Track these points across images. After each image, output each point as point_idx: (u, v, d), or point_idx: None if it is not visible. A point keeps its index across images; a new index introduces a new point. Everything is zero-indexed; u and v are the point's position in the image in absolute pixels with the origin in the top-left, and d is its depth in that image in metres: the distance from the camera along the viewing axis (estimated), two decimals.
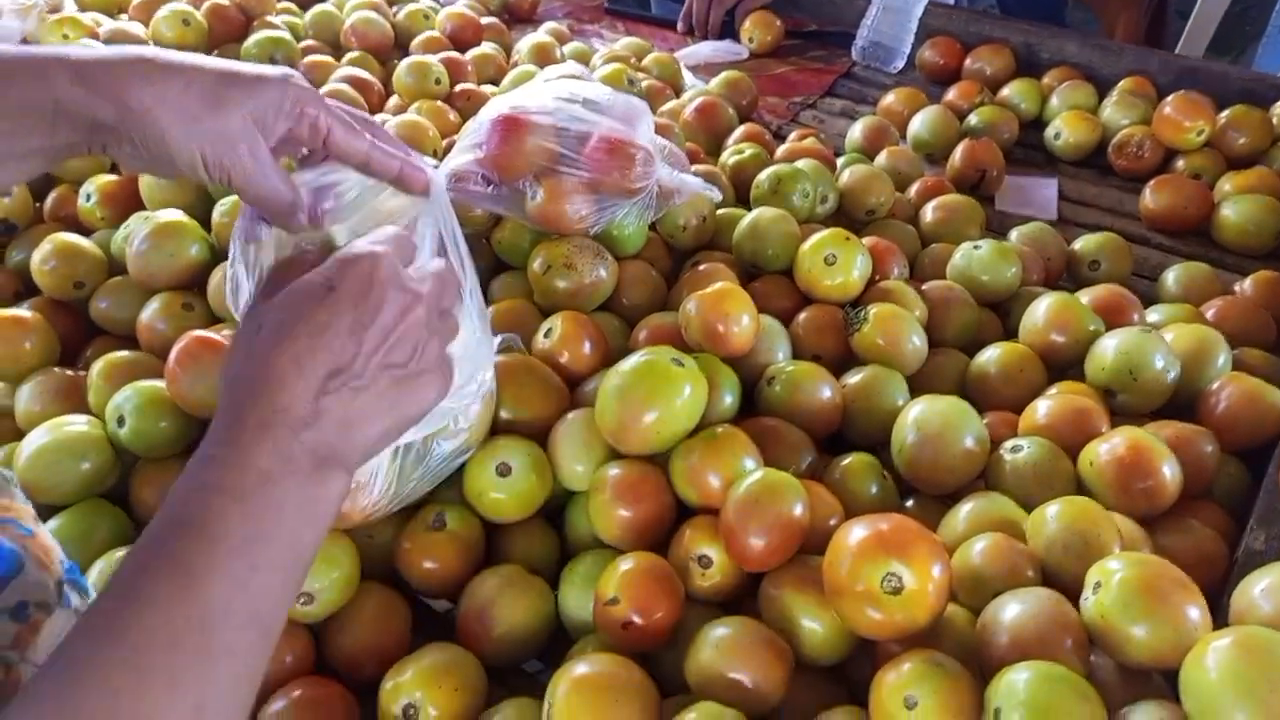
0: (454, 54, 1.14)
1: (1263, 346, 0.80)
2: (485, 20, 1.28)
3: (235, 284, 0.56)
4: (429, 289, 0.50)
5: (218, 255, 0.81)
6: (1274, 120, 1.07)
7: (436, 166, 0.64)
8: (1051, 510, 0.60)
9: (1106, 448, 0.64)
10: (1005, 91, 1.17)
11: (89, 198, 0.88)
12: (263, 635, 0.41)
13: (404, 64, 1.08)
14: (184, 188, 0.85)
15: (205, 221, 0.82)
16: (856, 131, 1.10)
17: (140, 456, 0.71)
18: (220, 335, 0.70)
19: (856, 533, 0.55)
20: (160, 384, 0.71)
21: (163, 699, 0.36)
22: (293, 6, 1.27)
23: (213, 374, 0.69)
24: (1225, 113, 1.06)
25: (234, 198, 0.81)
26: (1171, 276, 0.89)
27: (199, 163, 0.48)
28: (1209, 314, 0.83)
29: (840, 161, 1.01)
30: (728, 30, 1.39)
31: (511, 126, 0.78)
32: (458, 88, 1.08)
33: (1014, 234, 0.94)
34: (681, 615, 0.60)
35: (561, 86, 0.81)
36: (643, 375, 0.65)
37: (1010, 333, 0.83)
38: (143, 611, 0.37)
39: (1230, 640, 0.48)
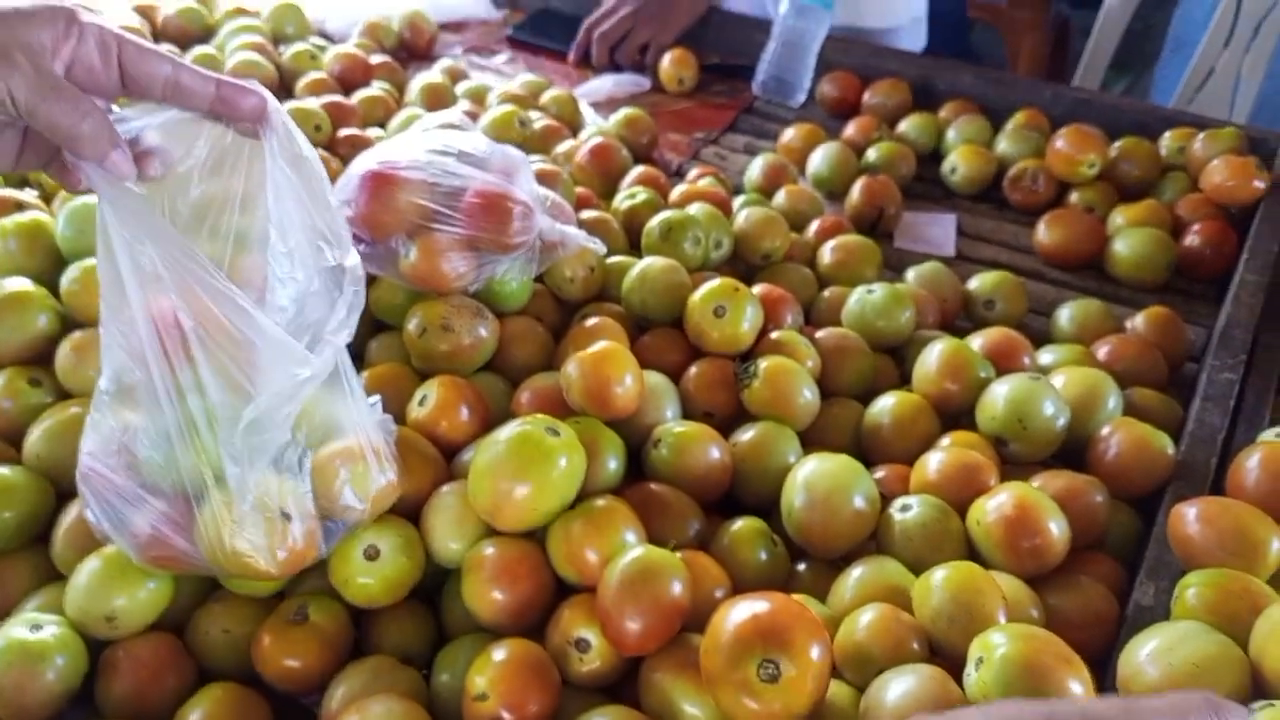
0: (338, 98, 1.10)
1: (1155, 385, 0.80)
2: (376, 59, 1.24)
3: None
4: None
5: (68, 325, 0.75)
6: (1163, 152, 1.08)
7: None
8: (936, 578, 0.58)
9: (994, 505, 0.63)
10: (902, 126, 1.16)
11: None
12: None
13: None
14: (33, 253, 0.80)
15: (56, 290, 0.77)
16: (755, 170, 1.09)
17: None
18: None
19: (733, 617, 0.52)
20: (5, 470, 0.66)
21: None
22: (175, 50, 1.22)
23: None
24: (1116, 145, 1.07)
25: (86, 263, 0.76)
26: (1065, 315, 0.88)
27: None
28: (1101, 353, 0.82)
29: (737, 203, 0.99)
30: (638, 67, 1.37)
31: (381, 182, 0.74)
32: (341, 133, 1.04)
33: (910, 274, 0.93)
34: (557, 707, 0.56)
35: (435, 138, 0.78)
36: (516, 448, 0.62)
37: (906, 378, 0.82)
38: None
39: None
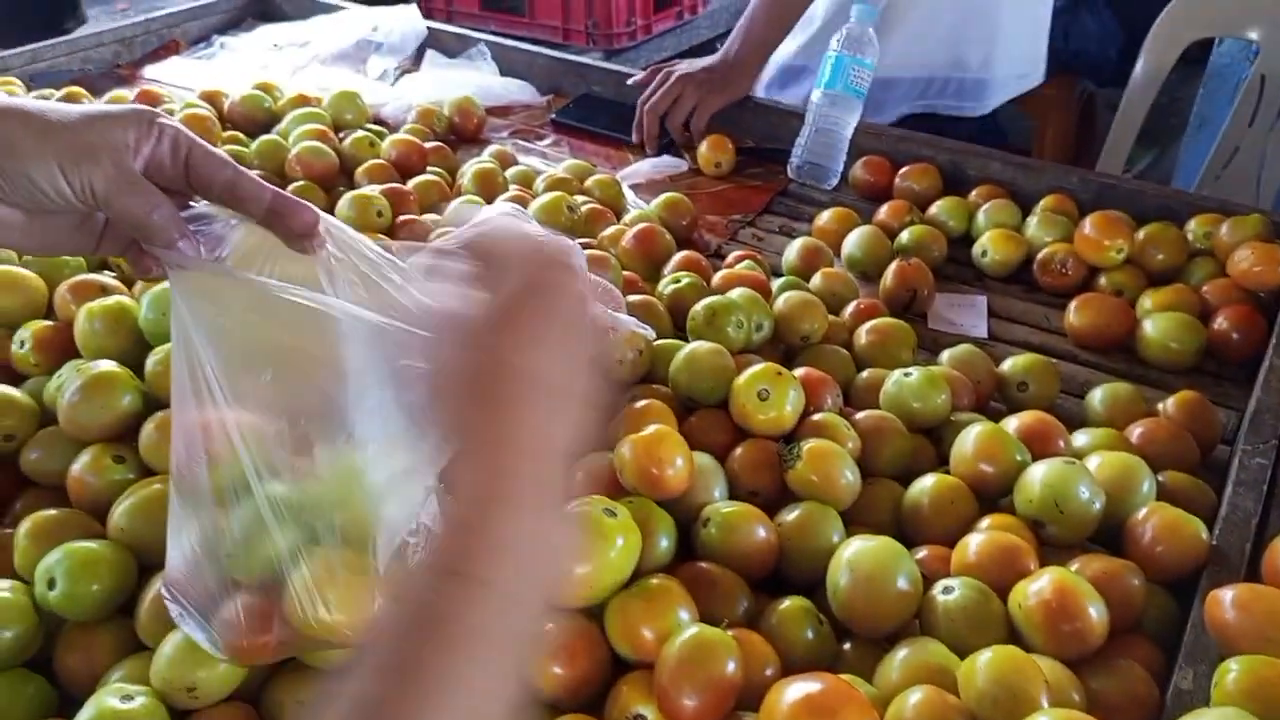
0: (396, 184, 1.16)
1: (1187, 469, 0.82)
2: (430, 144, 1.31)
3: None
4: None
5: (150, 405, 0.80)
6: (1189, 237, 1.12)
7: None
8: (980, 661, 0.60)
9: (1034, 589, 0.65)
10: (933, 209, 1.21)
11: (22, 344, 0.87)
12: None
13: (345, 198, 1.09)
14: (118, 334, 0.85)
15: (139, 370, 0.82)
16: (792, 253, 1.13)
17: (67, 620, 0.69)
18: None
19: (788, 697, 0.55)
20: (92, 544, 0.70)
21: None
22: (240, 136, 1.29)
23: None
24: (1143, 230, 1.10)
25: (169, 346, 0.81)
26: (1097, 397, 0.91)
27: (57, 173, 0.49)
28: (1134, 436, 0.85)
29: (776, 286, 1.04)
30: (671, 148, 1.44)
31: None
32: (400, 218, 1.10)
33: (945, 356, 0.96)
34: None
35: None
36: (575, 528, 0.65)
37: (943, 458, 0.85)
38: None
39: None
